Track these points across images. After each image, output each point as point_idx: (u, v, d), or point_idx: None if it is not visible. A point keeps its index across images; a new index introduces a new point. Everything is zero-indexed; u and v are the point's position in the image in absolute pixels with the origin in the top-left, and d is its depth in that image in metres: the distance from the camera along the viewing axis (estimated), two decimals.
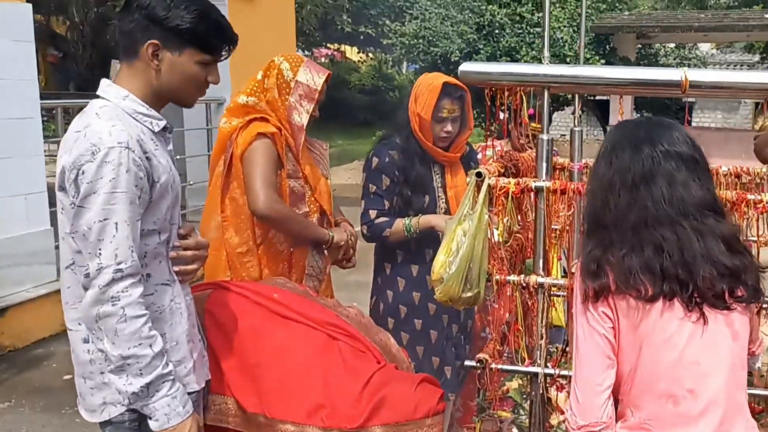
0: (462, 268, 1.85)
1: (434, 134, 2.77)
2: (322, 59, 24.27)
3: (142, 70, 1.82)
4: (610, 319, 1.52)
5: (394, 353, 2.29)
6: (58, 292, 4.98)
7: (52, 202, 5.29)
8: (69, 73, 19.31)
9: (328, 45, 24.94)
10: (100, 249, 1.67)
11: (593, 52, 11.62)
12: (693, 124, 14.49)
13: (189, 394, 1.84)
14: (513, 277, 1.94)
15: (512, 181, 1.91)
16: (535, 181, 1.91)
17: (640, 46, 13.00)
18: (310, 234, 2.63)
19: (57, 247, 5.32)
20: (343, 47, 26.03)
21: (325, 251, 2.70)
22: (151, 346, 1.71)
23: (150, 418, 1.76)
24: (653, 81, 1.83)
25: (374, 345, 2.21)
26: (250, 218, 2.53)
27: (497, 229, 1.96)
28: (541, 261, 1.93)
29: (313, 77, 2.57)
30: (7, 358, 4.68)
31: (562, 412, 2.07)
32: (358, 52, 25.38)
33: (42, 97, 5.25)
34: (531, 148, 2.76)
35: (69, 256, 1.82)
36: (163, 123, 1.87)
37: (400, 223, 2.76)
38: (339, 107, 18.62)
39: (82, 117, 1.81)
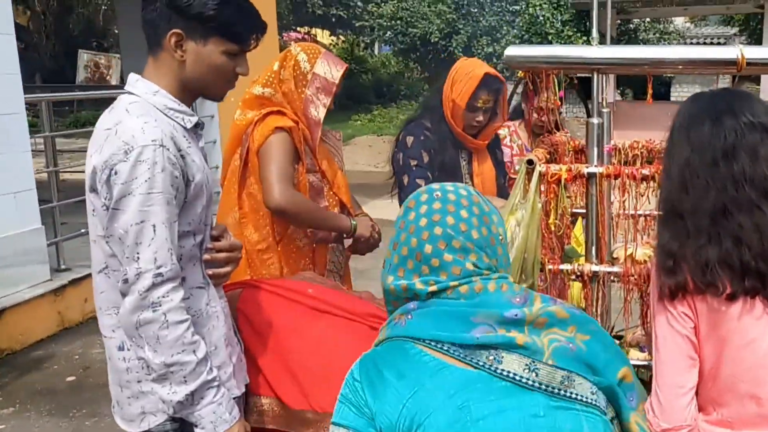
0: (518, 259, 1.81)
1: (465, 122, 2.73)
2: (292, 43, 23.89)
3: (168, 63, 1.73)
4: (690, 319, 1.46)
5: None
6: (53, 292, 4.93)
7: (41, 200, 5.16)
8: (33, 65, 18.83)
9: (298, 29, 24.62)
10: (138, 253, 1.60)
11: (574, 29, 11.62)
12: (672, 98, 14.62)
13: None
14: (566, 266, 1.90)
15: (563, 167, 1.87)
16: (587, 167, 1.87)
17: (619, 21, 13.01)
18: (330, 225, 2.55)
19: (49, 245, 5.18)
20: (314, 30, 25.72)
21: (345, 241, 2.63)
22: (194, 351, 1.66)
23: (196, 427, 1.71)
24: (709, 60, 1.78)
25: None
26: (269, 214, 2.46)
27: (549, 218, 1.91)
28: (594, 248, 1.89)
29: (330, 70, 2.49)
30: (6, 361, 4.54)
31: None
32: (330, 35, 25.09)
33: None
34: (558, 130, 2.71)
35: (102, 260, 1.74)
36: (194, 119, 1.79)
37: None
38: None
39: (111, 114, 1.72)
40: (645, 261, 2.19)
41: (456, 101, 2.69)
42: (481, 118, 2.72)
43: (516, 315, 1.25)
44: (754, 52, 1.75)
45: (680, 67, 1.84)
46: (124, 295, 1.63)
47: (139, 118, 1.65)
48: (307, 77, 2.47)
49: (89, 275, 5.56)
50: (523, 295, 1.31)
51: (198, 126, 1.81)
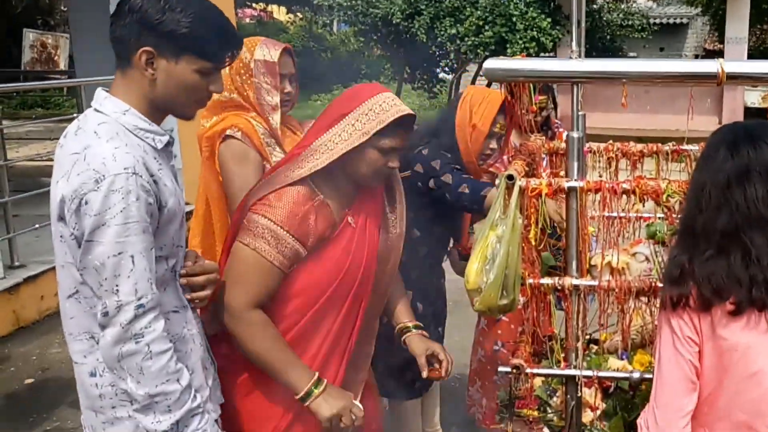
0: (499, 276, 1.78)
1: (482, 149, 2.59)
2: (247, 20, 23.38)
3: (137, 80, 1.65)
4: (696, 344, 1.49)
5: None
6: (7, 290, 4.74)
7: None
8: None
9: (254, 5, 24.07)
10: (117, 285, 1.55)
11: (539, 11, 11.55)
12: None
13: None
14: (547, 280, 1.88)
15: (543, 182, 1.84)
16: (567, 182, 1.84)
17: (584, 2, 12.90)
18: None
19: (1, 241, 4.94)
20: (270, 7, 25.18)
21: None
22: (178, 380, 1.63)
23: None
24: (689, 74, 1.77)
25: None
26: None
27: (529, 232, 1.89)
28: (574, 262, 1.88)
29: (269, 51, 2.46)
30: None
31: (593, 409, 2.06)
32: (287, 13, 24.61)
33: None
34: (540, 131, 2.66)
35: (71, 286, 1.67)
36: (165, 138, 1.71)
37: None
38: None
39: (78, 136, 1.63)
40: (623, 268, 2.19)
41: (478, 126, 2.54)
42: (495, 145, 2.60)
43: None
44: (734, 67, 1.74)
45: (660, 80, 1.82)
46: (103, 327, 1.58)
47: (109, 143, 1.58)
48: (249, 66, 2.43)
49: (45, 272, 5.37)
50: None
51: (168, 144, 1.74)
